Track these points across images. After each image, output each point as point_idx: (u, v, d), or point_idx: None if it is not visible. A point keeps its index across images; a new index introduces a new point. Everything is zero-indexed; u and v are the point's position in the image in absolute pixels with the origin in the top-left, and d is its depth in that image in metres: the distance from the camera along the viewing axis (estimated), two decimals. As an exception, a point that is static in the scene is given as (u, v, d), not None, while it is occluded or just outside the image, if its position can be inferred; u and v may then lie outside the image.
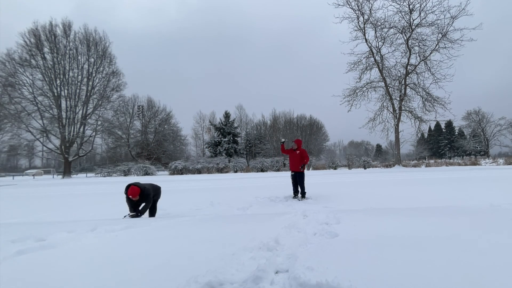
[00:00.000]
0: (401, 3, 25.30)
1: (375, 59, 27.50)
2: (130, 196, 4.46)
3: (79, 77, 31.56)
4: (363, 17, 26.53)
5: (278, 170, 29.29)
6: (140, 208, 4.63)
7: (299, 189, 6.85)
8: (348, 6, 26.23)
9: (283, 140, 7.44)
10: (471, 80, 71.97)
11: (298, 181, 6.82)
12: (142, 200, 4.62)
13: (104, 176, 28.38)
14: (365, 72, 27.99)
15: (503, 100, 76.41)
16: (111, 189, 11.73)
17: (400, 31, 26.43)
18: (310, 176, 16.16)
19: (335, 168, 29.34)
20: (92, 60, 32.15)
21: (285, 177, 16.92)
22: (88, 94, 31.70)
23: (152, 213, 4.95)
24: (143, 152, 41.89)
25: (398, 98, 27.58)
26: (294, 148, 6.93)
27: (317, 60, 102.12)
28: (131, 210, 4.55)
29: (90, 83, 31.93)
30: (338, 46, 39.44)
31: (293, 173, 6.91)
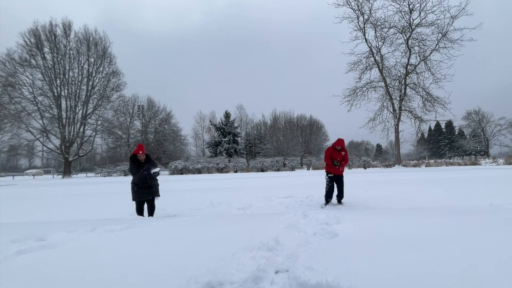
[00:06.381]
0: (401, 3, 25.30)
1: (375, 59, 27.48)
2: (140, 152, 4.76)
3: (79, 77, 31.56)
4: (363, 17, 26.52)
5: (278, 170, 29.30)
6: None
7: (337, 194, 6.12)
8: (348, 6, 26.20)
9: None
10: (471, 80, 71.98)
11: (338, 185, 6.04)
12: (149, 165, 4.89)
13: (104, 176, 28.38)
14: (365, 72, 27.97)
15: (504, 101, 76.43)
16: (111, 189, 11.74)
17: (400, 31, 26.41)
18: (310, 176, 16.16)
19: (335, 168, 29.25)
20: (92, 60, 32.17)
21: (285, 177, 16.92)
22: (88, 94, 31.69)
23: (151, 212, 4.96)
24: (143, 152, 41.77)
25: (398, 98, 27.56)
26: (339, 149, 6.08)
27: (325, 61, 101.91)
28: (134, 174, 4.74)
29: (90, 83, 31.93)
30: (340, 47, 39.46)
31: (331, 175, 6.00)
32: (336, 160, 6.00)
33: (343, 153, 6.08)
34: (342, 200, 6.15)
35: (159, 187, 5.19)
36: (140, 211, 4.84)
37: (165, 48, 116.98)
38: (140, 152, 4.78)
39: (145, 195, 4.84)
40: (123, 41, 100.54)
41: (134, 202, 4.91)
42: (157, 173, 4.89)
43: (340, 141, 6.13)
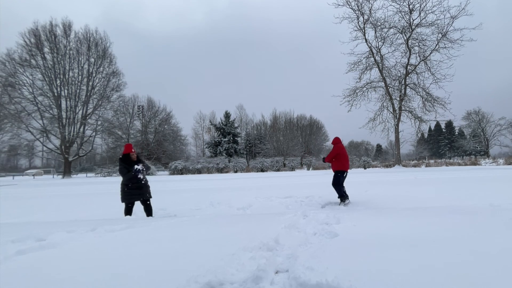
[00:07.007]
0: (401, 3, 25.30)
1: (375, 59, 27.48)
2: (133, 151, 4.72)
3: (79, 77, 31.57)
4: (363, 17, 26.52)
5: (278, 170, 29.29)
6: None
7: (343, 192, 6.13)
8: (348, 6, 26.21)
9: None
10: (471, 80, 71.95)
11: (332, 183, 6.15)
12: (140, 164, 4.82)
13: (104, 176, 28.39)
14: (365, 72, 27.97)
15: (504, 100, 76.36)
16: (111, 189, 11.73)
17: (400, 31, 26.41)
18: (310, 177, 16.16)
19: (335, 168, 29.24)
20: (92, 60, 32.17)
21: (285, 177, 16.92)
22: (88, 94, 31.70)
23: (149, 213, 4.95)
24: (143, 152, 41.86)
25: (398, 98, 27.55)
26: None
27: (325, 61, 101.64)
28: (125, 177, 4.67)
29: (90, 83, 31.93)
30: (340, 47, 39.44)
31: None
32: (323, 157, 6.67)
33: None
34: (341, 200, 6.02)
35: (150, 188, 5.05)
36: (128, 213, 4.69)
37: (167, 47, 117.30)
38: (133, 150, 4.74)
39: (135, 196, 4.71)
40: (125, 41, 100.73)
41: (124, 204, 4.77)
42: (142, 170, 4.71)
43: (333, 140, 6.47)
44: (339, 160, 6.13)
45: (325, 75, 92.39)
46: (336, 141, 6.38)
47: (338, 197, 6.06)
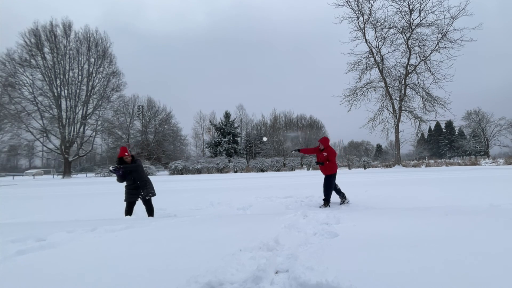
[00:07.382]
0: (401, 3, 25.33)
1: (375, 59, 27.49)
2: (126, 154, 4.76)
3: (79, 77, 31.58)
4: (363, 17, 26.54)
5: (278, 170, 29.30)
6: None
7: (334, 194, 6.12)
8: (348, 6, 26.24)
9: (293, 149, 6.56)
10: (471, 80, 71.91)
11: (323, 185, 6.02)
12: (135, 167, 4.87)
13: (104, 176, 28.37)
14: (365, 72, 28.00)
15: (504, 100, 76.35)
16: (110, 189, 11.73)
17: (400, 31, 26.43)
18: (310, 177, 16.15)
19: (335, 168, 29.25)
20: (92, 60, 32.19)
21: (285, 177, 16.92)
22: (88, 94, 31.70)
23: (150, 213, 4.95)
24: (143, 152, 41.85)
25: (398, 98, 27.58)
26: (321, 149, 6.08)
27: (326, 61, 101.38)
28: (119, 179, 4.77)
29: (90, 83, 31.94)
30: (340, 47, 39.43)
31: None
32: (316, 161, 6.16)
33: (325, 153, 6.00)
34: (325, 203, 5.93)
35: (152, 186, 5.03)
36: (128, 213, 4.76)
37: (167, 47, 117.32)
38: (126, 154, 4.79)
39: (134, 196, 4.81)
40: (125, 41, 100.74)
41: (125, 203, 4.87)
42: (115, 171, 4.62)
43: (320, 140, 6.13)
44: (332, 163, 6.02)
45: (325, 75, 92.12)
46: (327, 142, 6.12)
47: (323, 199, 6.01)
